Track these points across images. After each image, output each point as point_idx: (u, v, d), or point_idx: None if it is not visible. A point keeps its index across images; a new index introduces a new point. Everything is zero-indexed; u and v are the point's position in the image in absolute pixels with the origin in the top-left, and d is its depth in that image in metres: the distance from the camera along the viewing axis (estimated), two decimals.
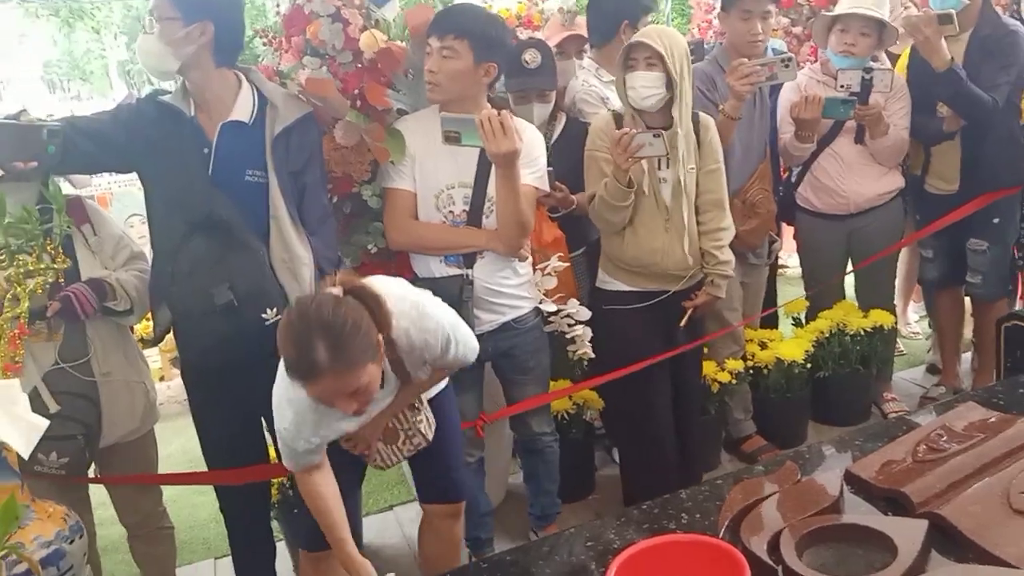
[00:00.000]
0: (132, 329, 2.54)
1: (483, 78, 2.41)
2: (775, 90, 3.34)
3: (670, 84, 2.53)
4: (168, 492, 2.81)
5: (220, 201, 2.18)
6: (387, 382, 1.89)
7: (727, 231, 2.77)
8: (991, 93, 3.07)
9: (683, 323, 2.77)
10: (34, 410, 1.64)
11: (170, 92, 2.30)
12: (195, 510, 3.48)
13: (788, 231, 3.88)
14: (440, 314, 1.91)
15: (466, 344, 1.98)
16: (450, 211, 2.47)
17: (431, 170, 2.45)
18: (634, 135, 2.42)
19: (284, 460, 1.88)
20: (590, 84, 3.09)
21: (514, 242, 2.46)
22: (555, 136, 2.97)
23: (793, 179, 3.49)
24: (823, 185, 3.36)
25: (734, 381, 3.26)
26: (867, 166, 3.30)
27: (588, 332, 2.79)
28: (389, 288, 1.80)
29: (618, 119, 2.64)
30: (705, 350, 3.24)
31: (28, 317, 2.20)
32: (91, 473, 2.52)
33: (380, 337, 1.69)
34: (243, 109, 2.25)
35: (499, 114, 2.21)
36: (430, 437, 2.04)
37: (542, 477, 2.84)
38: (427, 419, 2.04)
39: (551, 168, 2.61)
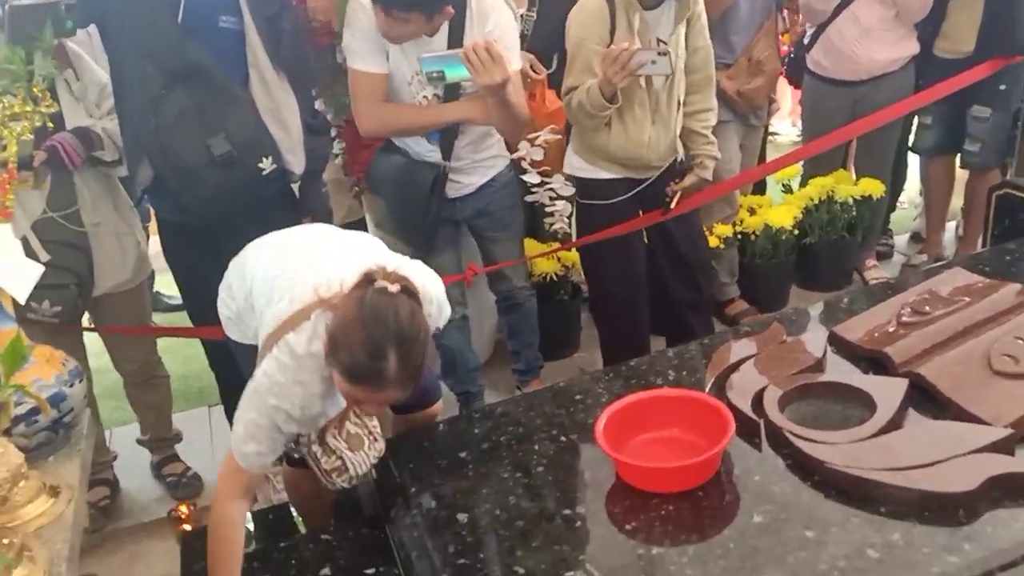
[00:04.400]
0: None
1: (441, 20, 2.24)
2: None
3: None
4: (163, 343, 2.85)
5: (195, 49, 2.08)
6: None
7: (713, 112, 2.65)
8: None
9: (674, 206, 2.64)
10: None
11: None
12: (189, 360, 3.54)
13: (793, 97, 3.80)
14: (433, 293, 1.74)
15: (443, 312, 1.81)
16: (424, 97, 2.36)
17: (401, 53, 2.30)
18: (635, 52, 2.23)
19: (244, 454, 1.60)
20: None
21: (520, 136, 2.44)
22: None
23: (806, 41, 3.39)
24: (836, 48, 3.25)
25: (723, 246, 3.27)
26: (885, 31, 3.19)
27: (568, 208, 2.75)
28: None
29: (611, 4, 2.38)
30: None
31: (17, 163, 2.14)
32: (85, 323, 2.54)
33: None
34: None
35: (485, 42, 2.09)
36: (383, 445, 1.80)
37: (524, 331, 2.90)
38: (379, 430, 1.86)
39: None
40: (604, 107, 2.37)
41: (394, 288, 1.47)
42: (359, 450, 1.75)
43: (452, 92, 2.35)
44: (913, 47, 3.26)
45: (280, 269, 1.73)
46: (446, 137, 2.40)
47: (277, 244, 1.85)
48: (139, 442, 2.84)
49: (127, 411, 2.91)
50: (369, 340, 1.42)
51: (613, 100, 2.36)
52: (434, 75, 2.17)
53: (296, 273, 1.68)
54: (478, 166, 2.49)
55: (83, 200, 2.31)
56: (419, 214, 2.43)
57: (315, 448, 1.74)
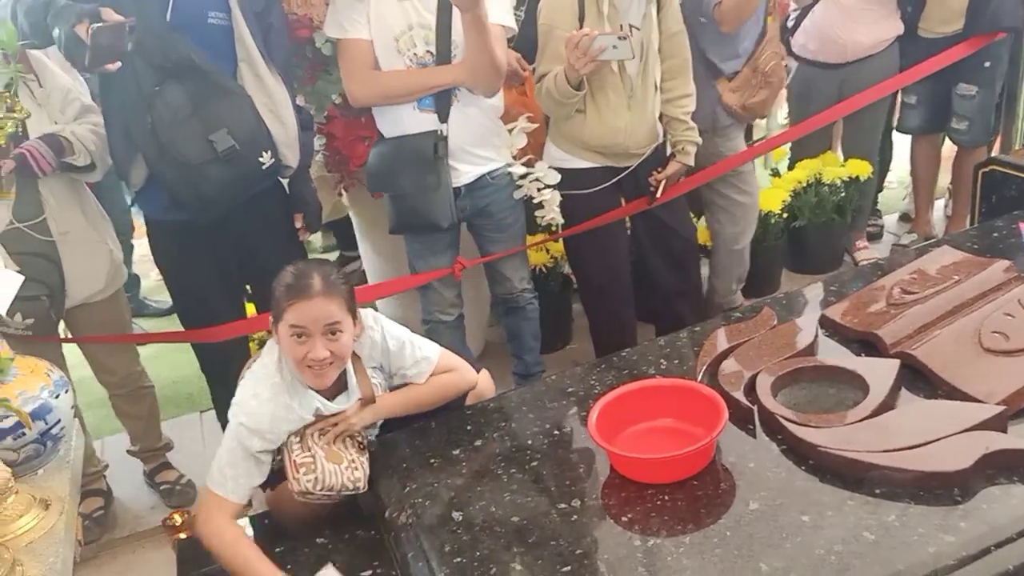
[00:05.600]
0: (89, 186, 2.46)
1: None
2: None
3: None
4: (152, 348, 2.82)
5: (185, 46, 2.06)
6: (350, 386, 1.84)
7: (692, 96, 2.62)
8: None
9: (659, 196, 2.63)
10: None
11: None
12: (178, 366, 3.50)
13: None
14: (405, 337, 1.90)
15: (421, 346, 1.91)
16: (413, 54, 2.32)
17: (385, 11, 2.28)
18: (595, 36, 2.21)
19: (223, 480, 1.74)
20: None
21: (492, 85, 2.35)
22: None
23: (790, 24, 3.38)
24: (820, 31, 3.25)
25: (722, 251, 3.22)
26: (867, 11, 3.18)
27: (557, 196, 2.72)
28: None
29: None
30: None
31: None
32: (61, 333, 2.50)
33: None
34: None
35: None
36: (363, 486, 1.80)
37: (525, 334, 2.84)
38: (366, 468, 1.82)
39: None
40: (571, 94, 2.35)
41: None
42: (334, 463, 1.77)
43: (444, 55, 2.32)
44: (897, 27, 3.25)
45: None
46: (440, 102, 2.37)
47: None
48: (129, 452, 2.82)
49: (117, 420, 2.89)
50: (295, 269, 1.74)
51: (580, 87, 2.34)
52: None
53: None
54: (474, 153, 2.45)
55: (50, 209, 2.27)
56: (430, 189, 2.38)
57: (293, 438, 1.78)
